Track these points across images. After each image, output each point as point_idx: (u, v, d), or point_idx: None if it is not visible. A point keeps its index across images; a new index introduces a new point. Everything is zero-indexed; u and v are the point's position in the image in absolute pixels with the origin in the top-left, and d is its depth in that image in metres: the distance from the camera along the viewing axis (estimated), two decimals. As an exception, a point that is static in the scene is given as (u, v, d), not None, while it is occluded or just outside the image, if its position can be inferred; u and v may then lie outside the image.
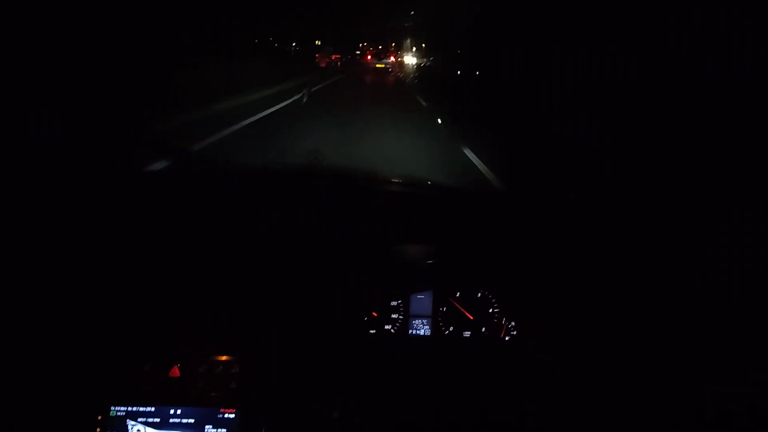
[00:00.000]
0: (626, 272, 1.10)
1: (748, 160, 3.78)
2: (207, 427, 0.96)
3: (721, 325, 1.00)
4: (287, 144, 5.88)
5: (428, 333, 1.12)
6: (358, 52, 44.13)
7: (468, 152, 5.92)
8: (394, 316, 1.12)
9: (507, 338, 1.12)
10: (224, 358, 0.99)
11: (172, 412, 0.97)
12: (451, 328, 1.12)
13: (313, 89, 13.37)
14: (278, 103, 9.74)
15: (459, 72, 21.39)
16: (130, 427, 0.96)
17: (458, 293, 1.12)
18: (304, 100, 10.78)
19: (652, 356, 1.03)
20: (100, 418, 0.96)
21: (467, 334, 1.12)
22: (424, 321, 1.12)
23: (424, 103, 12.13)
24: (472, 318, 1.12)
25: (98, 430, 0.95)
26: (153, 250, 1.09)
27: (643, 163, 4.73)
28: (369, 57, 41.00)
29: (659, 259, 1.11)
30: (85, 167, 1.20)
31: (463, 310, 1.11)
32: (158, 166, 1.31)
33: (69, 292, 1.01)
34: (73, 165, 1.19)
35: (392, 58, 38.89)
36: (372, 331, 1.11)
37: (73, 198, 1.13)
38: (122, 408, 0.96)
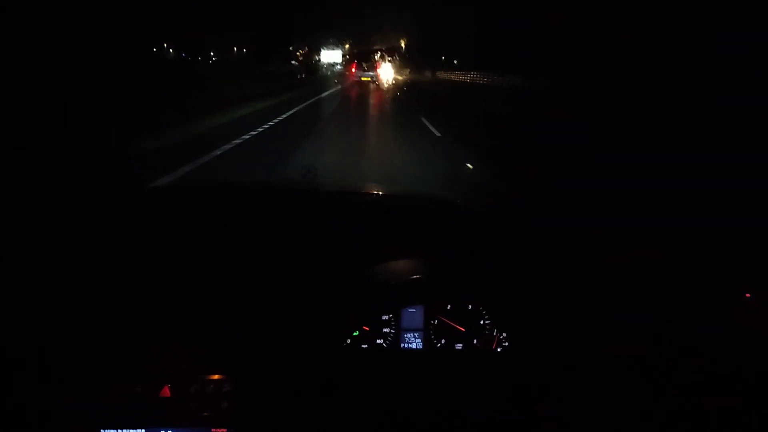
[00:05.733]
0: (616, 281, 1.12)
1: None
2: (198, 447, 0.95)
3: (713, 332, 1.01)
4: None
5: (420, 346, 1.12)
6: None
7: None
8: (385, 330, 1.12)
9: (499, 349, 1.13)
10: (216, 377, 0.99)
11: None
12: (443, 341, 1.13)
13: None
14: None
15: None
16: None
17: (449, 306, 1.12)
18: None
19: (642, 363, 1.03)
20: None
21: (459, 346, 1.13)
22: (416, 334, 1.12)
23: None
24: (463, 330, 1.12)
25: None
26: (143, 268, 1.08)
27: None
28: (353, 69, 38.93)
29: (648, 267, 1.12)
30: (66, 182, 1.19)
31: (452, 323, 1.12)
32: (144, 183, 1.31)
33: (57, 313, 1.01)
34: (52, 179, 1.19)
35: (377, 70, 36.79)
36: (364, 346, 1.11)
37: (55, 214, 1.13)
38: (112, 431, 0.95)
